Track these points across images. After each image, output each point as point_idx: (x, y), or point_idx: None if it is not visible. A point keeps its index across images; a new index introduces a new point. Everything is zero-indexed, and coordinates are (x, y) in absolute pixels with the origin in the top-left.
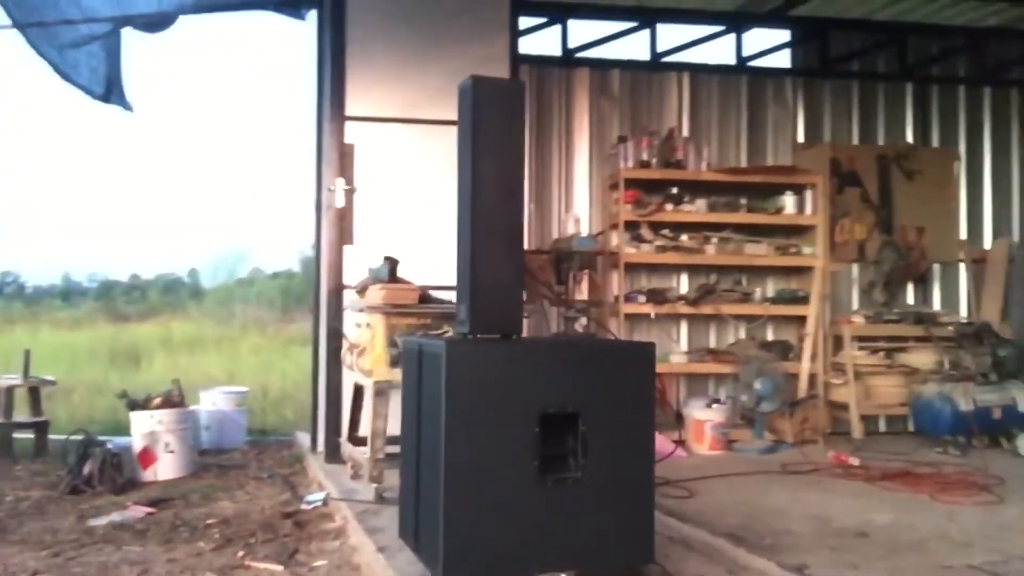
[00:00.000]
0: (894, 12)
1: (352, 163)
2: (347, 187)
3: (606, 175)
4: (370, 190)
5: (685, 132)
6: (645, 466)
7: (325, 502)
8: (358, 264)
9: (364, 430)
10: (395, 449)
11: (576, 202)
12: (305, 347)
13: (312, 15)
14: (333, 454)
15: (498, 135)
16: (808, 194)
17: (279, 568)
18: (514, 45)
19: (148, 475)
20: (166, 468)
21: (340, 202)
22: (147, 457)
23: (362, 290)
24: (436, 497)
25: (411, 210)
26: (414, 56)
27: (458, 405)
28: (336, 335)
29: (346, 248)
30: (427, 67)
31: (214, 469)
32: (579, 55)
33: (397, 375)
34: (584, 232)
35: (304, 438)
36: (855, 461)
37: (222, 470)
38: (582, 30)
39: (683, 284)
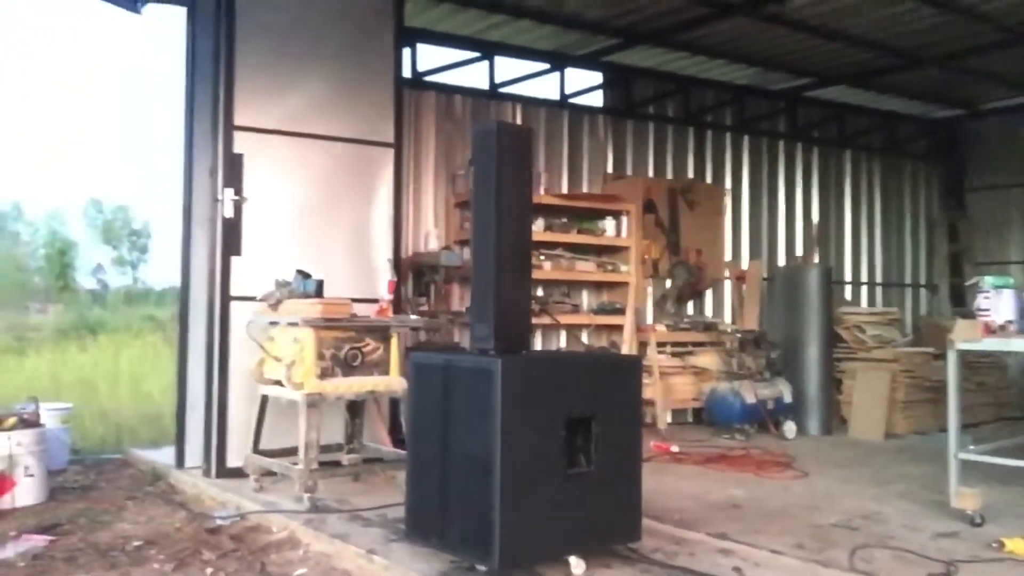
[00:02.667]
0: (682, 66)
1: (241, 173)
2: (235, 198)
3: (452, 194)
4: (256, 202)
5: None
6: (636, 459)
7: (243, 516)
8: (246, 276)
9: (269, 443)
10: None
11: (424, 218)
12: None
13: (150, 8)
14: (223, 469)
15: (516, 174)
16: (624, 219)
17: None
18: (398, 65)
19: (4, 503)
20: (26, 494)
21: (228, 212)
22: (3, 483)
23: (276, 303)
24: (487, 497)
25: (295, 223)
26: (299, 69)
27: (510, 414)
28: (222, 346)
29: (234, 260)
30: (312, 81)
31: (70, 492)
32: (427, 79)
33: (328, 387)
34: (432, 247)
35: (143, 455)
36: (675, 448)
37: (82, 492)
38: (430, 55)
39: None
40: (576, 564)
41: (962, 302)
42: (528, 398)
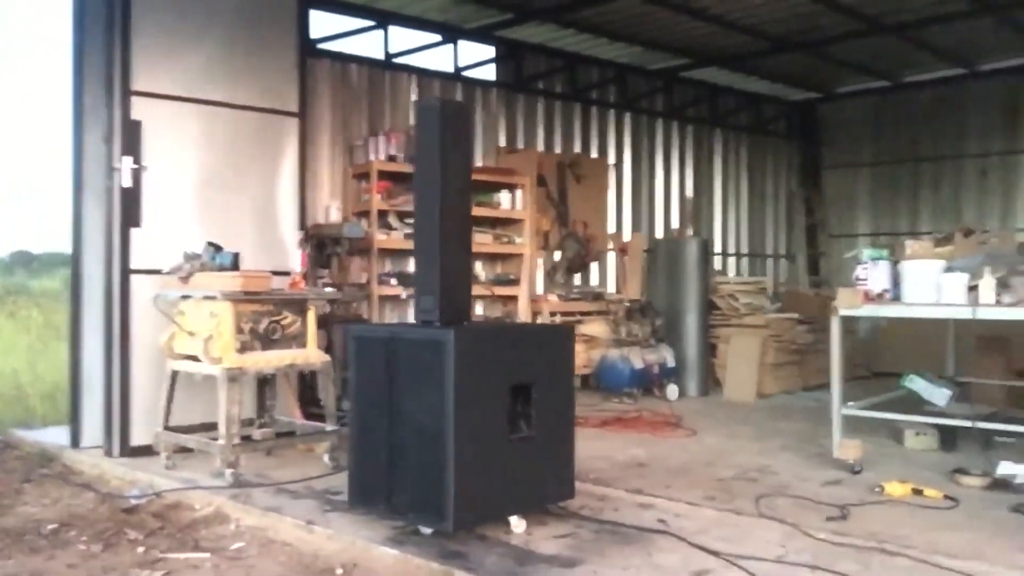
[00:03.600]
0: (569, 43)
1: (139, 141)
2: (135, 166)
3: (349, 164)
4: (156, 171)
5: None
6: (569, 423)
7: (158, 494)
8: (147, 248)
9: (180, 419)
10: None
11: (320, 188)
12: None
13: None
14: (127, 447)
15: (457, 149)
16: (519, 192)
17: (204, 555)
18: (302, 31)
19: None
20: None
21: (127, 182)
22: None
23: (187, 276)
24: (440, 463)
25: (197, 194)
26: (200, 32)
27: (462, 383)
28: (123, 322)
29: (133, 231)
30: (214, 46)
31: None
32: (321, 46)
33: (248, 361)
34: (334, 218)
35: (26, 436)
36: None
37: None
38: (323, 23)
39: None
40: (517, 523)
41: (816, 271)
42: (476, 367)
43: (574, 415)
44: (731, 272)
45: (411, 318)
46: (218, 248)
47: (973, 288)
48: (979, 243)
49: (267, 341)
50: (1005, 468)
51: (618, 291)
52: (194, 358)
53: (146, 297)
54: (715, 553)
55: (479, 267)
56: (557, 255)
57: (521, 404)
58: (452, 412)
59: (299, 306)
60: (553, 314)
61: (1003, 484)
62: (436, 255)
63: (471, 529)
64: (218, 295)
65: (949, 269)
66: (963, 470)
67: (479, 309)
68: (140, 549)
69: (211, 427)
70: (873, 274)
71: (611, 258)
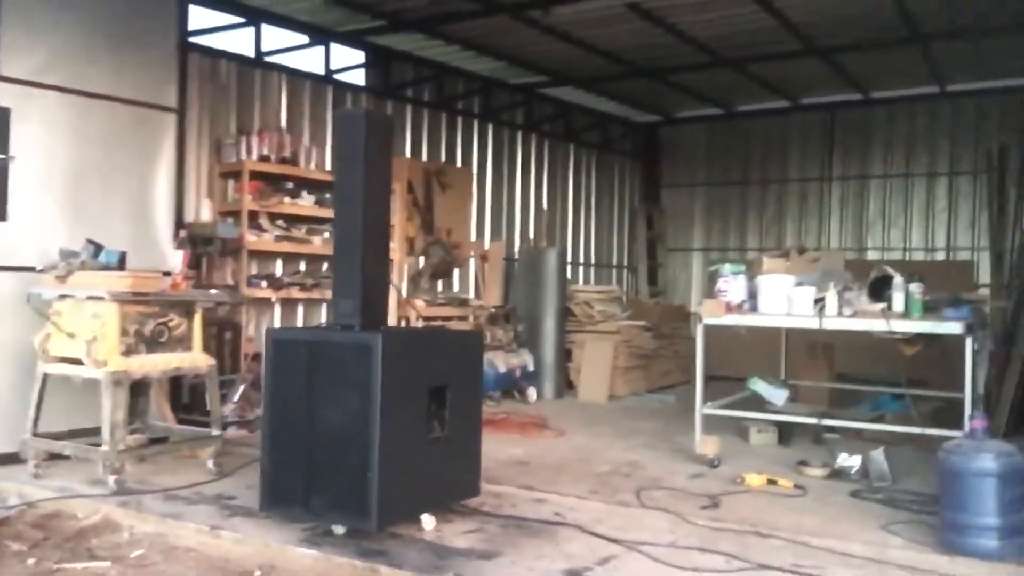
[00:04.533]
0: (437, 53)
1: (7, 130)
2: (1, 156)
3: (217, 162)
4: (24, 162)
5: (282, 129)
6: (477, 424)
7: (30, 505)
8: (12, 243)
9: (51, 425)
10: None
11: (188, 186)
12: None
13: None
14: None
15: (380, 159)
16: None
17: (104, 563)
18: (182, 24)
19: None
20: None
21: None
22: None
23: (65, 275)
24: (364, 464)
25: (68, 188)
26: (77, 20)
27: (388, 386)
28: None
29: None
30: (91, 35)
31: None
32: (191, 40)
33: (133, 363)
34: (205, 218)
35: None
36: None
37: None
38: (193, 15)
39: (278, 270)
40: (427, 521)
41: (655, 281)
42: (400, 371)
43: (481, 416)
44: (580, 281)
45: (278, 322)
46: (98, 246)
47: (819, 301)
48: (812, 260)
49: (152, 344)
50: (842, 460)
51: (478, 297)
52: (72, 360)
53: (8, 296)
54: (615, 540)
55: None
56: (421, 261)
57: (436, 406)
58: (378, 414)
59: (186, 308)
60: (418, 318)
61: (838, 473)
62: (358, 261)
63: (391, 527)
64: (105, 295)
65: (798, 284)
66: (805, 462)
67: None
68: (30, 561)
69: (79, 433)
70: (732, 287)
71: (471, 265)
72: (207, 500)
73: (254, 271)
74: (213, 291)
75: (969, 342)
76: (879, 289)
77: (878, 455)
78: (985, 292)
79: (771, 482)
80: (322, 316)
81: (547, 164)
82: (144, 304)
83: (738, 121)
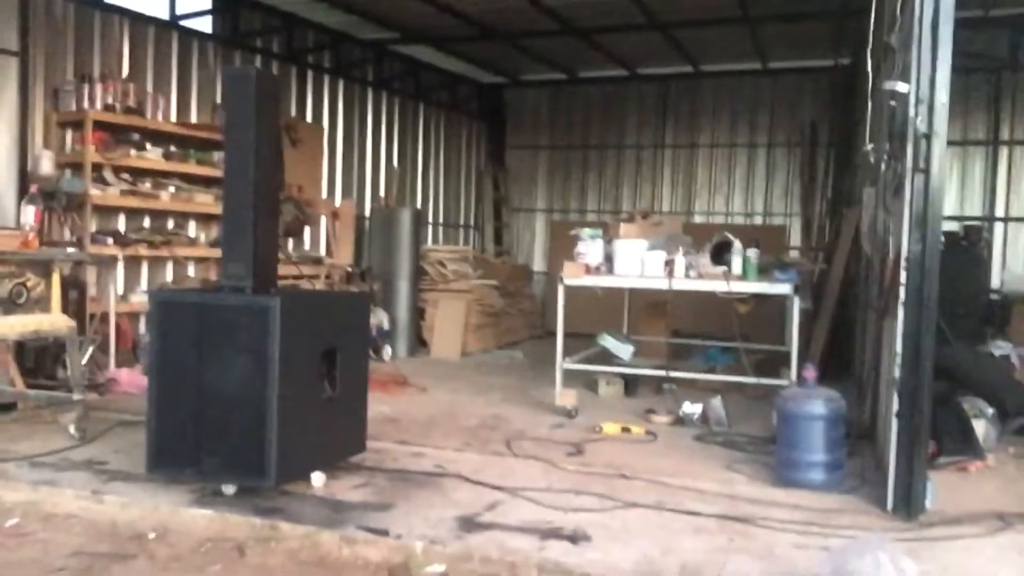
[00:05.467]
0: (283, 2)
1: None
2: None
3: (54, 110)
4: None
5: (124, 77)
6: (363, 384)
7: None
8: None
9: None
10: None
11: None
12: None
13: None
14: None
15: (269, 121)
16: None
17: None
18: None
19: None
20: None
21: None
22: None
23: None
24: (261, 424)
25: None
26: None
27: (286, 350)
28: None
29: None
30: None
31: None
32: None
33: None
34: (46, 170)
35: None
36: None
37: None
38: None
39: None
40: (317, 478)
41: (500, 241)
42: (296, 334)
43: (367, 376)
44: (428, 240)
45: (121, 282)
46: None
47: (667, 263)
48: (655, 224)
49: (11, 305)
50: (685, 408)
51: (330, 256)
52: None
53: None
54: (497, 487)
55: (193, 228)
56: None
57: (328, 367)
58: (276, 377)
59: (44, 267)
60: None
61: (682, 420)
62: (250, 223)
63: (285, 485)
64: None
65: (650, 248)
66: (652, 411)
67: (191, 271)
68: None
69: None
70: (591, 250)
71: (323, 223)
72: (77, 466)
73: (94, 227)
74: (71, 250)
75: (796, 301)
76: (719, 253)
77: (716, 403)
78: (795, 254)
79: (625, 430)
80: (167, 275)
81: (397, 123)
82: (1, 263)
83: (580, 87)
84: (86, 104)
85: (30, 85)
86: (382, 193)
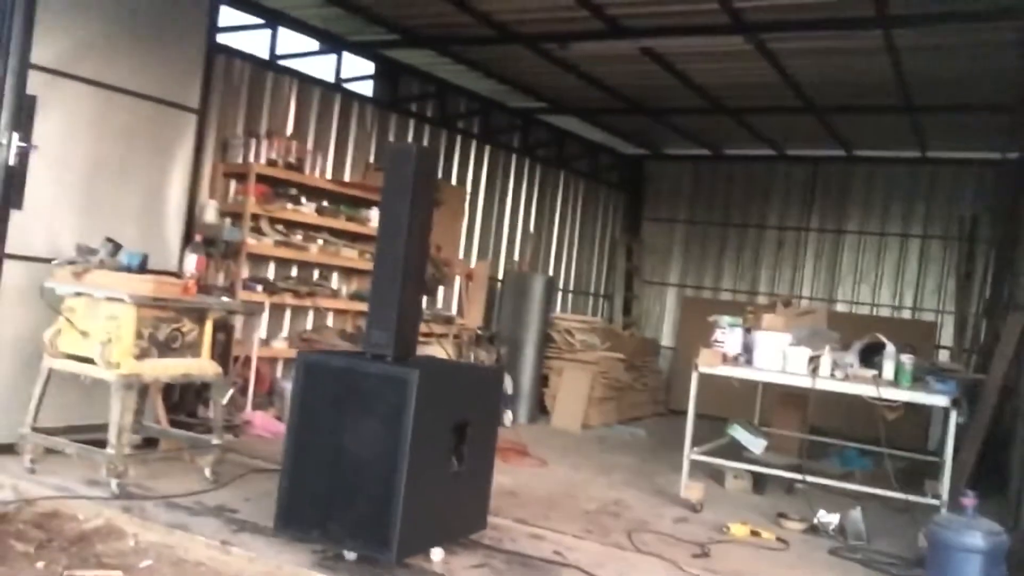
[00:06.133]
0: (443, 71)
1: (32, 118)
2: (22, 144)
3: (222, 162)
4: (43, 152)
5: (288, 135)
6: (491, 459)
7: (27, 501)
8: (25, 233)
9: (50, 419)
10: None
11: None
12: None
13: None
14: None
15: (425, 195)
16: None
17: (116, 573)
18: (212, 23)
19: None
20: None
21: (12, 160)
22: None
23: (83, 272)
24: (390, 495)
25: (84, 182)
26: (108, 14)
27: (420, 421)
28: None
29: (14, 213)
30: (120, 30)
31: None
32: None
33: (146, 367)
34: (210, 219)
35: None
36: None
37: None
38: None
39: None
40: (436, 553)
41: (629, 312)
42: (430, 405)
43: (494, 452)
44: (558, 306)
45: (265, 327)
46: (117, 244)
47: (811, 360)
48: (800, 314)
49: (165, 349)
50: (821, 516)
51: (460, 315)
52: (81, 359)
53: (16, 285)
54: None
55: (336, 280)
56: None
57: (458, 440)
58: (408, 447)
59: (199, 314)
60: None
61: (815, 528)
62: (397, 294)
63: (405, 559)
64: (126, 298)
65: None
66: (784, 514)
67: (330, 321)
68: (39, 564)
69: (75, 430)
70: (729, 339)
71: (456, 283)
72: (209, 511)
73: (246, 274)
74: (224, 298)
75: (953, 415)
76: (869, 354)
77: (856, 514)
78: (945, 353)
79: (755, 533)
80: (307, 323)
81: (537, 188)
82: (160, 308)
83: (723, 163)
84: (252, 158)
85: (205, 139)
86: (516, 257)
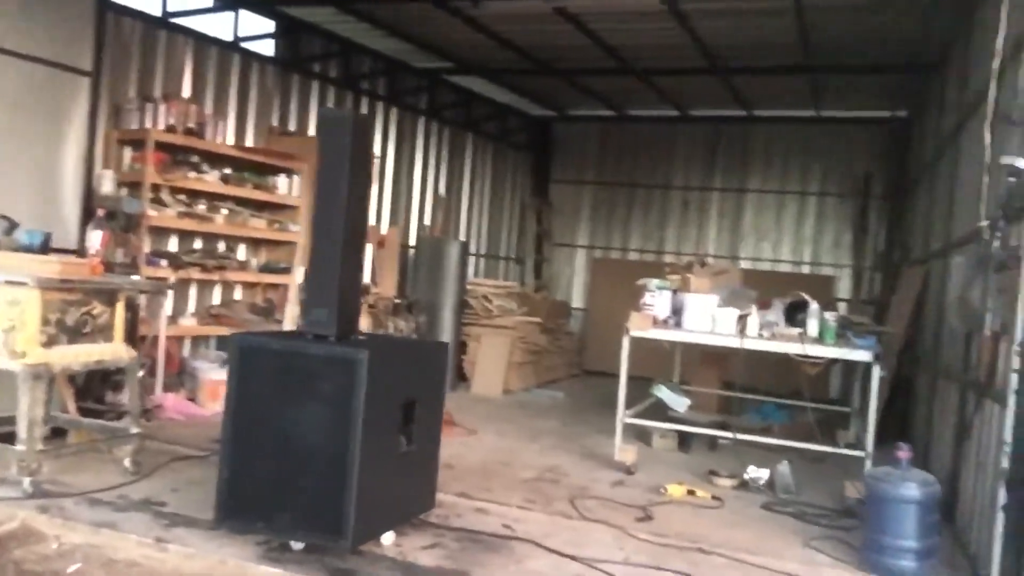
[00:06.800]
0: (346, 29)
1: None
2: None
3: (114, 128)
4: None
5: (185, 98)
6: (437, 436)
7: None
8: None
9: None
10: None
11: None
12: None
13: None
14: None
15: (362, 165)
16: (296, 177)
17: None
18: None
19: None
20: None
21: None
22: None
23: None
24: (341, 481)
25: None
26: None
27: (370, 402)
28: None
29: None
30: None
31: None
32: None
33: (54, 356)
34: (107, 190)
35: None
36: None
37: None
38: None
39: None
40: (387, 536)
41: (539, 275)
42: (380, 386)
43: (440, 428)
44: (470, 271)
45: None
46: (12, 222)
47: (740, 320)
48: (715, 274)
49: (75, 334)
50: (751, 472)
51: (373, 284)
52: None
53: None
54: (572, 557)
55: (243, 252)
56: None
57: (405, 420)
58: (360, 431)
59: (109, 296)
60: None
61: (745, 484)
62: (336, 268)
63: (360, 545)
64: (29, 281)
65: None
66: (715, 472)
67: (237, 294)
68: None
69: None
70: (658, 301)
71: (368, 251)
72: (135, 506)
73: (147, 248)
74: (135, 277)
75: (876, 370)
76: (792, 313)
77: (784, 469)
78: (843, 306)
79: (690, 493)
80: (215, 298)
81: (447, 151)
82: (67, 291)
83: (629, 124)
84: (148, 123)
85: (99, 104)
86: (427, 222)
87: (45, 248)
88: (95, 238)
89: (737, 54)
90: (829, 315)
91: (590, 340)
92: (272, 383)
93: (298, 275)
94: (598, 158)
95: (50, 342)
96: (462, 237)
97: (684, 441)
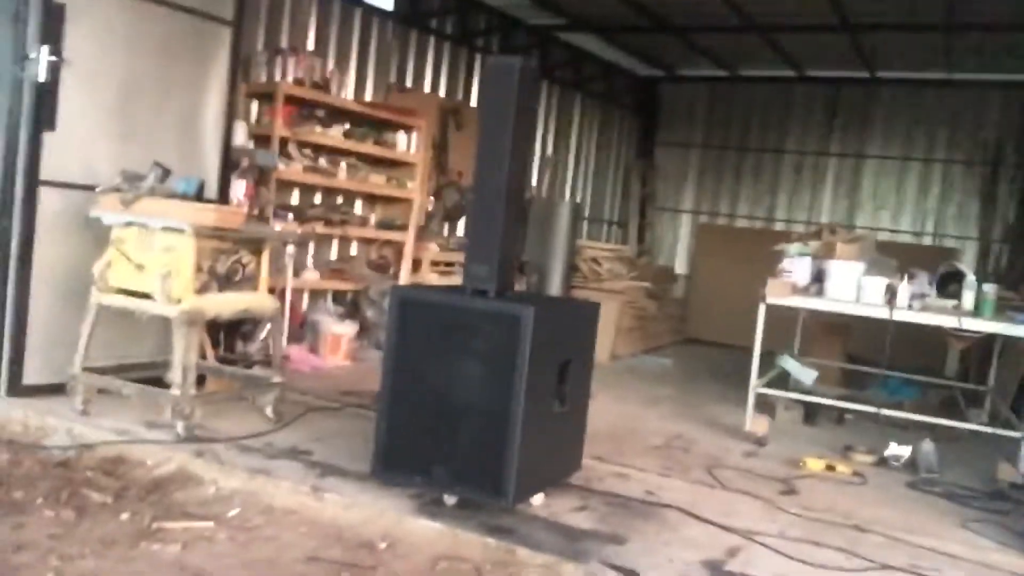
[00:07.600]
0: None
1: (62, 29)
2: (53, 58)
3: (243, 81)
4: (75, 68)
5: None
6: (587, 397)
7: (87, 446)
8: (60, 157)
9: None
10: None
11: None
12: None
13: None
14: (16, 386)
15: (527, 118)
16: (414, 135)
17: (207, 524)
18: None
19: None
20: None
21: (43, 75)
22: None
23: (132, 200)
24: (503, 438)
25: (118, 100)
26: None
27: (533, 360)
28: (26, 240)
29: (46, 136)
30: None
31: None
32: None
33: (207, 302)
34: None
35: None
36: None
37: None
38: None
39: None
40: (537, 496)
41: (643, 239)
42: (542, 344)
43: (590, 388)
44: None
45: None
46: (166, 170)
47: (888, 289)
48: (851, 241)
49: (226, 282)
50: (892, 450)
51: None
52: (136, 294)
53: (54, 213)
54: (726, 528)
55: (359, 207)
56: (432, 203)
57: (560, 380)
58: (523, 389)
59: (256, 245)
60: (435, 264)
61: (884, 461)
62: (500, 225)
63: (519, 504)
64: (187, 228)
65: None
66: (851, 447)
67: (353, 250)
68: (123, 516)
69: (122, 369)
70: (798, 268)
71: None
72: (284, 454)
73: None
74: (279, 228)
75: None
76: (945, 283)
77: (927, 447)
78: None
79: (830, 468)
80: (332, 253)
81: (555, 112)
82: (219, 239)
83: (740, 85)
84: (277, 76)
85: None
86: (535, 183)
87: (200, 196)
88: (240, 188)
89: (870, 8)
90: (989, 287)
91: (692, 308)
92: (431, 337)
93: (411, 232)
94: (706, 120)
95: (203, 289)
96: (567, 199)
97: (810, 414)
